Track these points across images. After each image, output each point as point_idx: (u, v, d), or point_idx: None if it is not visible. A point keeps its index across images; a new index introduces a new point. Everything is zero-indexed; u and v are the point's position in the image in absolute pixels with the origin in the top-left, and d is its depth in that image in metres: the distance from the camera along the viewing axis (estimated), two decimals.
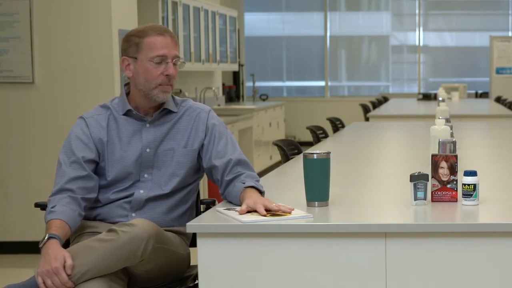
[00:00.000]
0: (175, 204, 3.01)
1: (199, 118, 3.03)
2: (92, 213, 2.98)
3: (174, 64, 2.94)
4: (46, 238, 2.68)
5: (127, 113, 3.00)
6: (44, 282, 2.60)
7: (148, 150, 2.97)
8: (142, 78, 2.93)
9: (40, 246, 2.68)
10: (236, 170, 2.95)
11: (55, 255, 2.61)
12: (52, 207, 2.81)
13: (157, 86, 2.92)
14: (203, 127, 3.02)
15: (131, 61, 2.95)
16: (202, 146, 3.01)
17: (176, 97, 3.07)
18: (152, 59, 2.91)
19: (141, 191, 2.96)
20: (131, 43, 2.94)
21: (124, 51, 2.97)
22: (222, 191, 2.97)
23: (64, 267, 2.59)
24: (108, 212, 2.97)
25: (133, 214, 2.95)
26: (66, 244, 2.86)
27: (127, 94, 3.03)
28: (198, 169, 3.06)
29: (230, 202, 2.91)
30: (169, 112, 3.01)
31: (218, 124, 3.05)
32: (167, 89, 2.94)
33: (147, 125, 2.99)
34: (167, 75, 2.92)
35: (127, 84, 3.04)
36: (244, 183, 2.87)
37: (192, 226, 2.57)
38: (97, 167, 2.98)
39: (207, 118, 3.04)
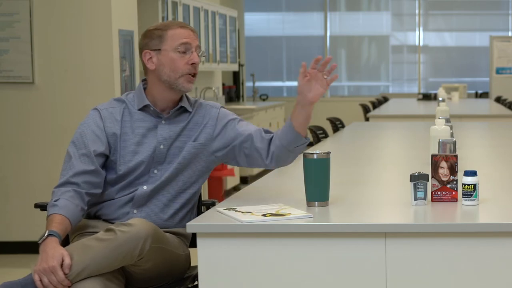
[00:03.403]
0: (176, 202, 3.00)
1: (209, 114, 3.07)
2: (93, 208, 2.98)
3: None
4: (45, 235, 2.69)
5: (143, 109, 3.01)
6: (41, 280, 2.61)
7: (162, 146, 2.99)
8: (168, 69, 2.96)
9: (39, 242, 2.68)
10: (269, 131, 3.06)
11: (53, 254, 2.61)
12: (55, 201, 2.82)
13: (183, 75, 2.96)
14: (212, 123, 3.05)
15: (154, 53, 2.98)
16: (209, 142, 3.02)
17: (190, 97, 3.09)
18: (178, 47, 2.95)
19: (144, 187, 2.97)
20: (153, 36, 2.98)
21: (145, 45, 3.00)
22: (267, 154, 2.99)
23: (61, 265, 2.60)
24: (110, 208, 2.97)
25: (135, 211, 2.96)
26: (65, 239, 2.87)
27: (144, 90, 3.04)
28: (203, 168, 3.06)
29: (280, 166, 3.03)
30: (185, 110, 3.03)
31: (231, 114, 3.09)
32: (191, 79, 2.99)
33: (163, 121, 3.00)
34: (192, 63, 2.97)
35: (144, 80, 3.06)
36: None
37: (192, 226, 2.57)
38: (107, 161, 2.98)
39: (217, 113, 3.07)
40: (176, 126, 3.01)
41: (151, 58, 2.98)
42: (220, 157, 3.08)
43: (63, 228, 2.75)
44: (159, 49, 2.97)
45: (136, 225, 2.68)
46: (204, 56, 3.05)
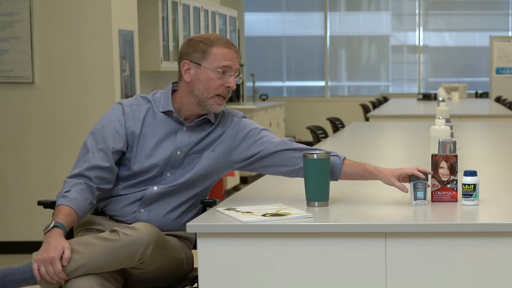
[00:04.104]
0: (183, 205, 3.00)
1: (230, 123, 3.03)
2: (100, 203, 2.98)
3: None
4: (51, 226, 2.69)
5: (167, 113, 2.99)
6: (39, 269, 2.62)
7: (178, 152, 2.97)
8: (202, 86, 2.92)
9: (44, 231, 2.69)
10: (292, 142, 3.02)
11: (55, 245, 2.62)
12: (65, 192, 2.82)
13: (215, 96, 2.92)
14: (232, 133, 3.02)
15: (193, 66, 2.94)
16: (230, 152, 3.01)
17: None
18: (218, 68, 2.91)
19: (155, 188, 2.96)
20: (197, 49, 2.93)
21: (187, 55, 2.95)
22: (295, 164, 2.96)
23: (61, 258, 2.61)
24: (117, 204, 2.96)
25: (142, 210, 2.95)
26: (70, 232, 2.89)
27: (173, 92, 3.02)
28: (214, 174, 3.06)
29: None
30: (208, 121, 3.01)
31: (252, 124, 3.06)
32: (222, 102, 2.95)
33: (184, 128, 2.98)
34: (227, 87, 2.93)
35: (175, 83, 3.03)
36: (335, 155, 2.94)
37: (192, 226, 2.57)
38: (122, 157, 2.97)
39: (239, 123, 3.04)
40: (197, 135, 2.99)
41: (189, 69, 2.94)
42: (238, 168, 3.07)
43: (69, 221, 2.75)
44: (200, 64, 2.93)
45: (140, 230, 2.69)
46: (241, 79, 3.01)
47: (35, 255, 2.67)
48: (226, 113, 3.06)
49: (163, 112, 2.98)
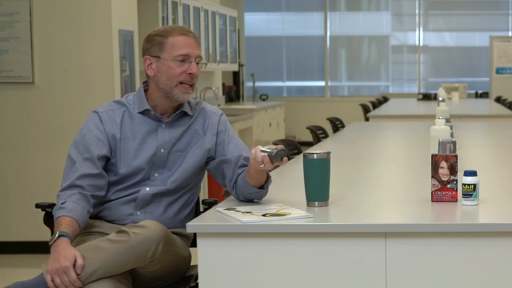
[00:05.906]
0: (178, 202, 3.01)
1: (210, 120, 3.05)
2: (95, 210, 2.98)
3: (197, 64, 2.96)
4: (56, 236, 2.68)
5: (144, 112, 3.00)
6: (53, 280, 2.61)
7: (162, 150, 2.98)
8: (165, 77, 2.94)
9: (50, 243, 2.68)
10: (245, 163, 2.97)
11: (65, 254, 2.61)
12: (62, 203, 2.81)
13: (178, 84, 2.93)
14: (214, 130, 3.04)
15: (154, 60, 2.96)
16: (213, 148, 3.02)
17: (191, 100, 3.07)
18: (176, 58, 2.92)
19: (147, 189, 2.96)
20: (154, 43, 2.96)
21: (147, 51, 2.98)
22: (233, 185, 2.96)
23: (74, 266, 2.60)
24: (112, 209, 2.96)
25: (138, 213, 2.95)
26: None
27: (145, 91, 3.03)
28: (202, 169, 3.06)
29: (241, 200, 2.93)
30: (185, 114, 3.02)
31: (229, 128, 3.09)
32: (188, 89, 2.96)
33: (163, 125, 2.99)
34: (189, 73, 2.94)
35: (145, 82, 3.05)
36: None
37: (192, 226, 2.57)
38: (107, 163, 2.97)
39: (218, 122, 3.06)
40: (177, 130, 3.00)
41: (151, 64, 2.97)
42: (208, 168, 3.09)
43: (72, 230, 2.74)
44: (159, 57, 2.95)
45: (149, 227, 2.69)
46: (205, 64, 3.01)
47: (44, 267, 2.65)
48: (206, 109, 3.08)
49: (140, 113, 2.99)
